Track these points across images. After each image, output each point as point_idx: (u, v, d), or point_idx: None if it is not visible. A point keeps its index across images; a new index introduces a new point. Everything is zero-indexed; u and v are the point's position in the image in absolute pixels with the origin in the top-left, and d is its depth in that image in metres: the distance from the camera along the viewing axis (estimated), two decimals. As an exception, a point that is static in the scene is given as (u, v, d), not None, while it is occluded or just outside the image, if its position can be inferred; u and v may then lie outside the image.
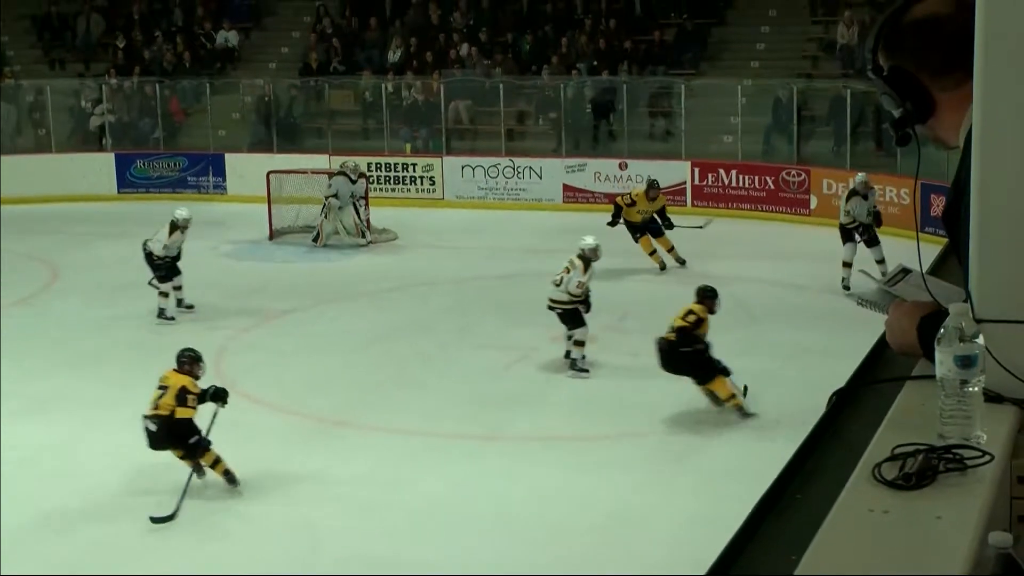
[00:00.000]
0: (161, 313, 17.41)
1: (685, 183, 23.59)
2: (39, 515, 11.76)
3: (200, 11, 30.20)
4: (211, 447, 12.08)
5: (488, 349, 15.66)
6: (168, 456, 12.24)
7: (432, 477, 12.41)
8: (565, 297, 14.86)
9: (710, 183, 23.58)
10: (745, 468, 11.81)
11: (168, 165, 26.44)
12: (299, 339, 16.87)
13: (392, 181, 24.80)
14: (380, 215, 22.13)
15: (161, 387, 12.11)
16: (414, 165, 25.04)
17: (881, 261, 16.80)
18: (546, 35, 27.33)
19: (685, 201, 23.30)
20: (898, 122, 2.72)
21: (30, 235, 22.21)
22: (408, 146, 25.62)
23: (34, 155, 25.17)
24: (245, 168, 25.07)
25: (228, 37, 29.59)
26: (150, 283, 17.50)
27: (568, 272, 14.84)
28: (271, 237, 22.07)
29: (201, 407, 12.10)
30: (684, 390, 14.01)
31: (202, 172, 26.23)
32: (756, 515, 2.40)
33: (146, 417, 12.09)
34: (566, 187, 24.07)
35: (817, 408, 2.77)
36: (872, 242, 17.84)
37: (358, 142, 26.05)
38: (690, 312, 13.40)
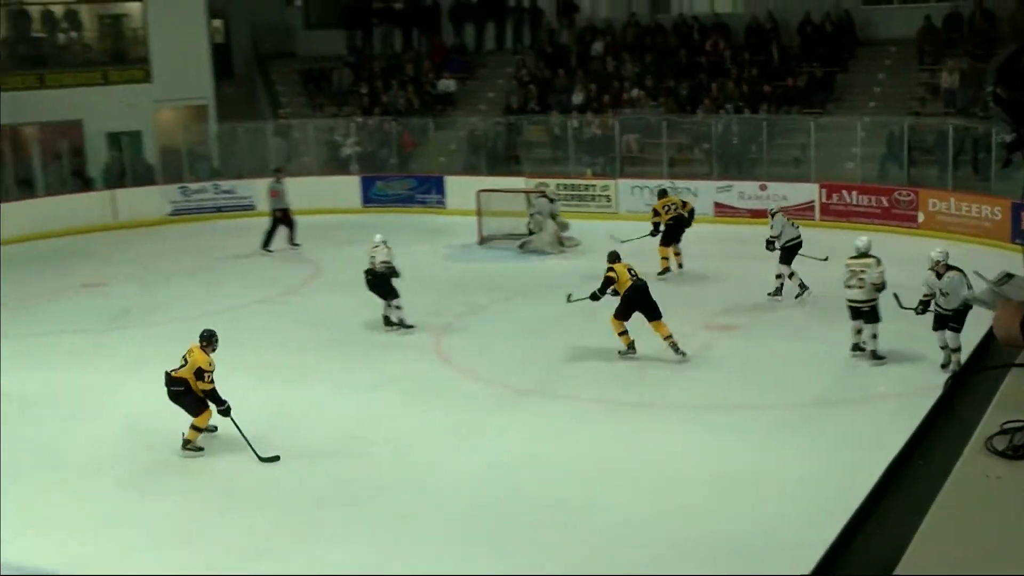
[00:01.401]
0: (387, 321, 16.57)
1: (814, 201, 23.18)
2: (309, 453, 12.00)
3: (426, 65, 30.56)
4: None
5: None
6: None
7: (592, 435, 12.35)
8: (865, 296, 13.87)
9: (835, 201, 23.12)
10: (856, 438, 11.60)
11: (401, 185, 26.81)
12: (500, 324, 16.94)
13: (576, 199, 24.76)
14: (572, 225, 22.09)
15: (184, 358, 12.18)
16: (594, 186, 24.98)
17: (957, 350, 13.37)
18: (700, 81, 27.05)
19: (814, 215, 22.89)
20: (1010, 146, 2.63)
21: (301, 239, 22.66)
22: (589, 171, 25.56)
23: (301, 177, 25.64)
24: (460, 187, 25.26)
25: (448, 85, 29.89)
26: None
27: (862, 273, 13.89)
28: (480, 242, 22.23)
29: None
30: (809, 371, 13.76)
31: (427, 191, 26.53)
32: (886, 477, 2.32)
33: (171, 377, 12.17)
34: (716, 204, 23.80)
35: (924, 389, 2.68)
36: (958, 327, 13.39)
37: (549, 167, 26.06)
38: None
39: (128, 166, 27.39)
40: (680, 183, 24.04)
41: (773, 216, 17.51)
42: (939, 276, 13.28)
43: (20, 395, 14.19)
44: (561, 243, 21.51)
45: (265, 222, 22.81)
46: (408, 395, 13.81)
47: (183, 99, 29.11)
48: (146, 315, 18.15)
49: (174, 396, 12.21)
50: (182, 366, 12.20)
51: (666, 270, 19.01)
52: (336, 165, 27.79)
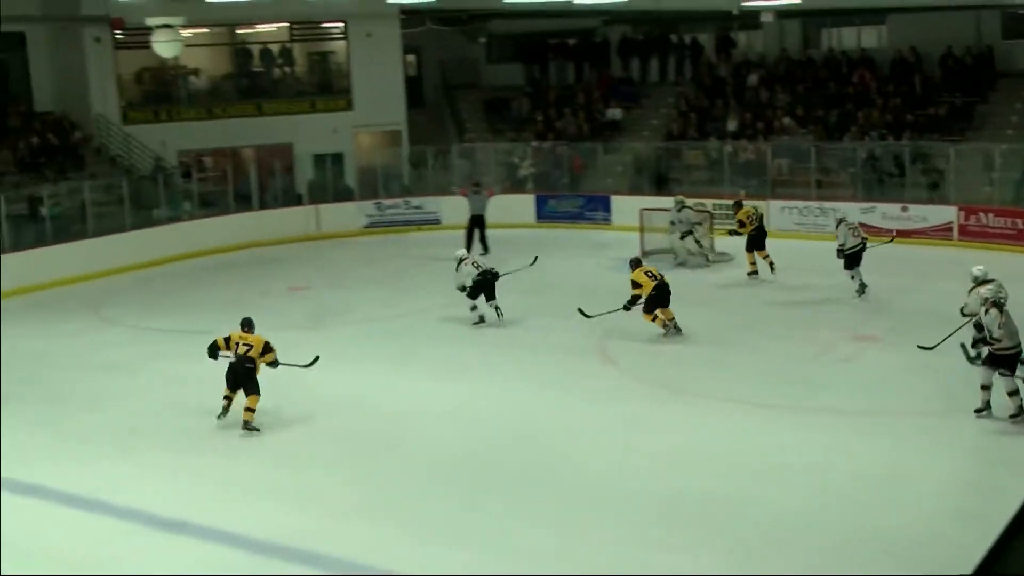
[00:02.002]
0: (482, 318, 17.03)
1: (952, 222, 22.34)
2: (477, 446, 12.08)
3: (596, 95, 30.54)
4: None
5: (797, 342, 15.22)
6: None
7: (746, 433, 12.12)
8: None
9: (972, 223, 22.23)
10: (998, 447, 11.14)
11: (571, 203, 26.81)
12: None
13: (730, 217, 24.34)
14: (720, 242, 21.80)
15: (247, 344, 12.63)
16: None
17: None
18: (847, 110, 26.39)
19: (952, 236, 22.10)
20: None
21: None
22: (743, 192, 25.12)
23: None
24: (624, 206, 25.12)
25: (615, 113, 29.80)
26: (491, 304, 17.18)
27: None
28: (642, 256, 21.97)
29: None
30: (947, 381, 13.26)
31: (594, 208, 26.47)
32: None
33: (241, 360, 12.53)
34: (860, 224, 22.99)
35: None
36: None
37: (705, 188, 25.72)
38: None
39: (330, 184, 28.07)
40: (827, 204, 23.52)
41: (838, 226, 17.87)
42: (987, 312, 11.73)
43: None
44: (706, 256, 21.31)
45: (452, 234, 23.33)
46: (576, 393, 13.79)
47: (379, 125, 29.74)
48: (342, 315, 18.55)
49: (245, 373, 12.58)
50: (248, 349, 12.62)
51: (754, 272, 19.52)
52: (513, 184, 27.96)
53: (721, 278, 20.11)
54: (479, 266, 17.17)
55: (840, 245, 17.69)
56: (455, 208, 25.21)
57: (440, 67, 33.51)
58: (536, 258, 19.11)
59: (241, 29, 29.80)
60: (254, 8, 26.49)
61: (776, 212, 24.11)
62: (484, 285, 16.99)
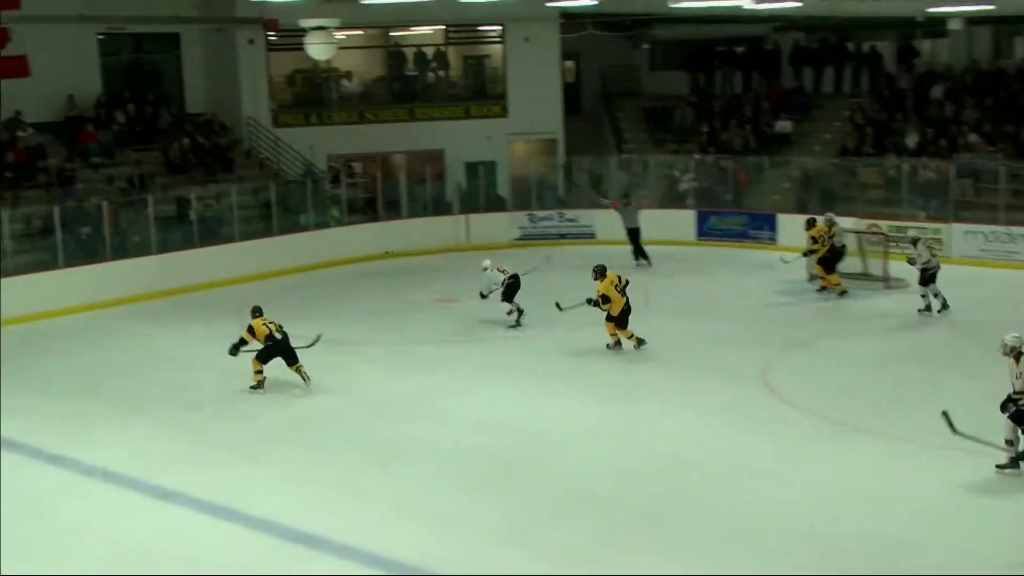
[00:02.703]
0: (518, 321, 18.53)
1: None
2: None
3: (764, 106, 30.14)
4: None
5: (974, 379, 14.69)
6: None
7: (914, 476, 11.74)
8: None
9: None
10: None
11: (735, 220, 26.48)
12: (824, 358, 16.46)
13: (907, 241, 23.71)
14: (895, 267, 21.19)
15: (275, 324, 15.22)
16: (926, 228, 23.80)
17: None
18: (1043, 128, 25.44)
19: None
20: None
21: (630, 268, 22.81)
22: (923, 213, 24.46)
23: (640, 209, 25.83)
24: (791, 225, 24.64)
25: (784, 126, 29.35)
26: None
27: None
28: (809, 279, 21.57)
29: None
30: None
31: (759, 227, 26.08)
32: None
33: (279, 335, 15.08)
34: (1054, 254, 22.27)
35: None
36: None
37: (880, 208, 25.07)
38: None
39: (482, 193, 28.36)
40: (1015, 230, 22.69)
41: (916, 244, 18.99)
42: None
43: (369, 397, 15.03)
44: (885, 281, 20.80)
45: (607, 249, 23.56)
46: (733, 421, 13.61)
47: (535, 133, 29.96)
48: (490, 330, 18.68)
49: (287, 347, 15.14)
50: (283, 332, 15.19)
51: (824, 288, 20.26)
52: (674, 199, 27.76)
53: (895, 306, 19.55)
54: (505, 271, 18.67)
55: (923, 264, 18.58)
56: (611, 222, 25.16)
57: (600, 74, 33.57)
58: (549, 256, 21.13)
59: (395, 31, 30.41)
60: (410, 10, 27.00)
61: (959, 237, 23.36)
62: (516, 287, 18.54)
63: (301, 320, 18.20)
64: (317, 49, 24.33)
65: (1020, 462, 11.58)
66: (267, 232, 24.75)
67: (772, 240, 25.60)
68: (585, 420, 13.77)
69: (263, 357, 15.21)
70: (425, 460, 12.51)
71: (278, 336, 15.15)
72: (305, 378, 15.23)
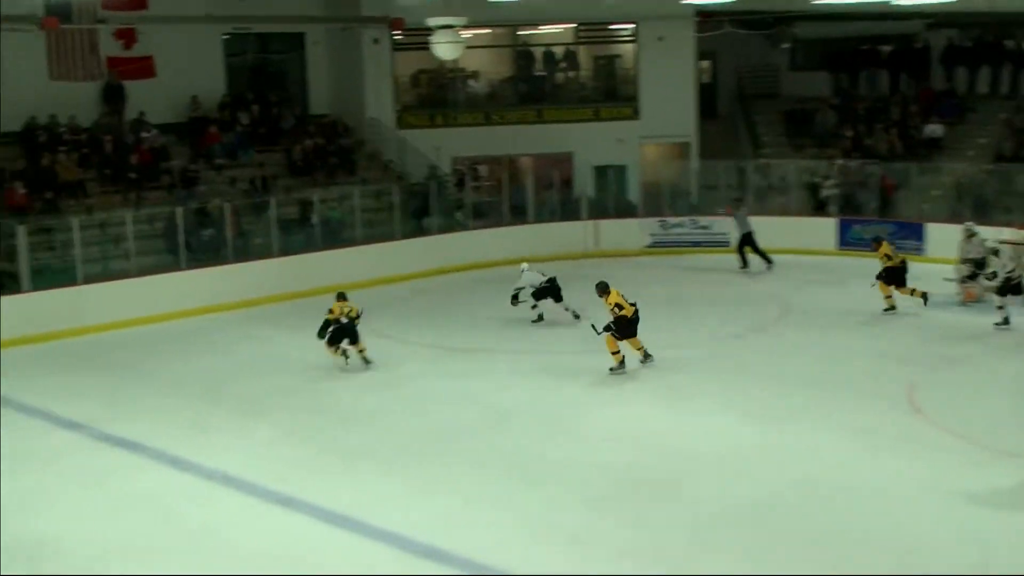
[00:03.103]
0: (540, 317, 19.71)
1: None
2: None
3: (913, 108, 29.46)
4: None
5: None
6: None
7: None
8: None
9: None
10: None
11: (880, 230, 25.80)
12: (976, 378, 15.92)
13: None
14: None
15: (349, 307, 16.92)
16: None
17: None
18: None
19: None
20: None
21: (766, 278, 22.54)
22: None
23: (777, 217, 25.52)
24: (941, 235, 24.02)
25: (935, 130, 28.64)
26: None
27: None
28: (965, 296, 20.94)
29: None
30: None
31: (905, 236, 25.40)
32: None
33: (351, 321, 16.84)
34: None
35: None
36: None
37: (1039, 219, 24.31)
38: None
39: (612, 198, 28.25)
40: None
41: (998, 254, 19.13)
42: None
43: (496, 408, 15.00)
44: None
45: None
46: (877, 443, 13.21)
47: (667, 136, 29.77)
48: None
49: (354, 329, 16.86)
50: (350, 310, 16.89)
51: (892, 308, 19.77)
52: (814, 206, 27.29)
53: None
54: (543, 273, 20.00)
55: (1009, 272, 18.54)
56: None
57: (737, 74, 33.21)
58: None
59: (523, 30, 30.51)
60: (539, 8, 27.06)
61: None
62: (550, 290, 19.74)
63: (422, 327, 18.38)
64: (443, 48, 24.54)
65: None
66: (390, 236, 25.01)
67: (920, 251, 24.94)
68: (724, 437, 13.54)
69: (331, 340, 16.95)
70: (554, 474, 12.42)
71: (344, 320, 16.85)
72: (367, 361, 16.92)
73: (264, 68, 29.38)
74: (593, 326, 16.71)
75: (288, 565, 10.33)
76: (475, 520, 11.24)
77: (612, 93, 30.57)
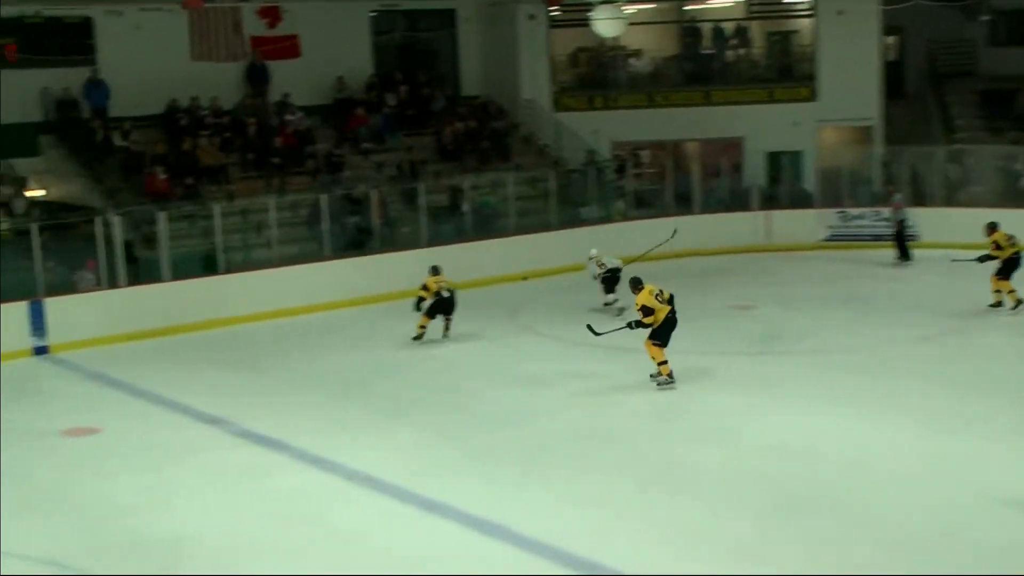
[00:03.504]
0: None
1: None
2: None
3: None
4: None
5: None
6: None
7: None
8: None
9: None
10: None
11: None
12: None
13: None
14: None
15: (445, 281, 18.57)
16: None
17: None
18: None
19: None
20: None
21: (958, 274, 21.97)
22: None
23: (970, 208, 24.80)
24: None
25: None
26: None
27: None
28: None
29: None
30: None
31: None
32: None
33: (446, 293, 18.48)
34: None
35: None
36: None
37: None
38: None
39: (785, 187, 27.88)
40: None
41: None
42: None
43: (652, 411, 15.02)
44: None
45: (931, 253, 23.37)
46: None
47: (847, 119, 29.24)
48: (793, 342, 18.39)
49: (452, 303, 18.57)
50: (451, 291, 18.59)
51: (999, 303, 19.61)
52: (1013, 196, 26.48)
53: None
54: (603, 264, 20.66)
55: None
56: (936, 222, 24.34)
57: (927, 50, 32.42)
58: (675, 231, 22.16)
59: (690, 5, 30.34)
60: (708, -19, 26.91)
61: None
62: (613, 280, 20.46)
63: (573, 323, 18.32)
64: (604, 25, 24.59)
65: None
66: (545, 226, 25.13)
67: None
68: (903, 451, 13.21)
69: (430, 312, 18.49)
70: (714, 484, 12.33)
71: (445, 295, 18.42)
72: (447, 329, 18.84)
73: (413, 47, 29.80)
74: (590, 327, 16.35)
75: (430, 571, 10.48)
76: (631, 532, 11.20)
77: (787, 72, 30.14)
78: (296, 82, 26.52)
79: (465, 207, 24.44)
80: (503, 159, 27.20)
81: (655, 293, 15.58)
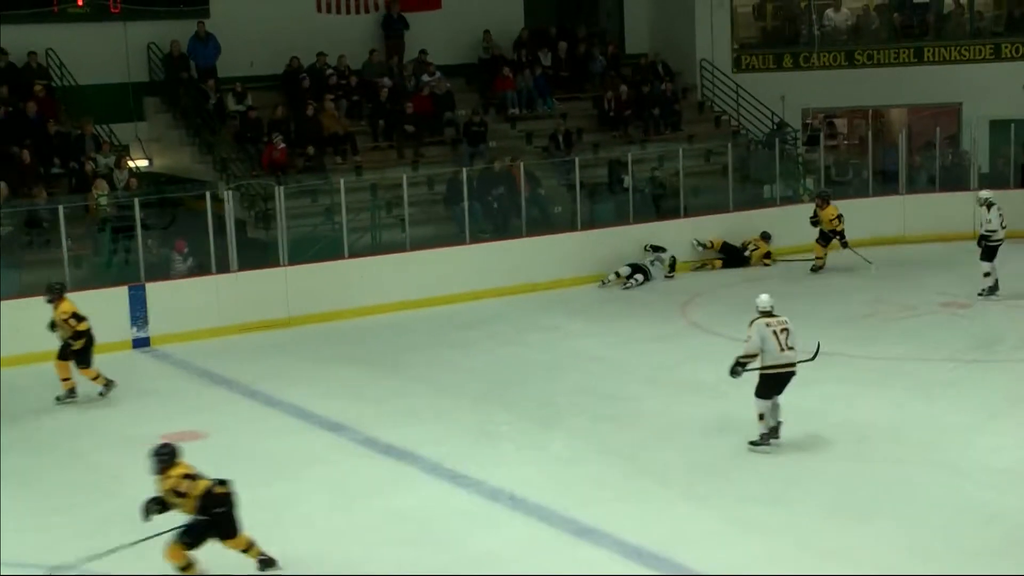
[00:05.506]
0: None
1: None
2: None
3: None
4: None
5: None
6: None
7: None
8: None
9: None
10: None
11: None
12: None
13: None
14: None
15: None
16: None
17: None
18: None
19: None
20: None
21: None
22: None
23: None
24: None
25: None
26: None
27: None
28: None
29: None
30: None
31: None
32: None
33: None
34: None
35: None
36: None
37: None
38: None
39: (1013, 162, 27.15)
40: None
41: (989, 209, 20.98)
42: None
43: (846, 427, 14.70)
44: None
45: None
46: None
47: (1090, 82, 28.42)
48: (1012, 349, 18.09)
49: None
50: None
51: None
52: None
53: None
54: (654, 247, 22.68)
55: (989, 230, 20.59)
56: None
57: None
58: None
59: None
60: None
61: None
62: (640, 268, 22.37)
63: (739, 321, 18.11)
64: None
65: None
66: (721, 207, 24.91)
67: None
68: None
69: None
70: (922, 516, 12.07)
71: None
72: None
73: (571, -2, 29.82)
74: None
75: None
76: (815, 567, 11.03)
77: (1017, 25, 29.38)
78: (435, 38, 26.67)
79: (627, 183, 24.30)
80: (673, 129, 27.04)
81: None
